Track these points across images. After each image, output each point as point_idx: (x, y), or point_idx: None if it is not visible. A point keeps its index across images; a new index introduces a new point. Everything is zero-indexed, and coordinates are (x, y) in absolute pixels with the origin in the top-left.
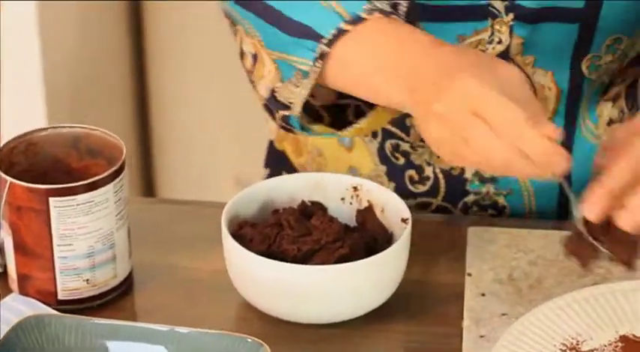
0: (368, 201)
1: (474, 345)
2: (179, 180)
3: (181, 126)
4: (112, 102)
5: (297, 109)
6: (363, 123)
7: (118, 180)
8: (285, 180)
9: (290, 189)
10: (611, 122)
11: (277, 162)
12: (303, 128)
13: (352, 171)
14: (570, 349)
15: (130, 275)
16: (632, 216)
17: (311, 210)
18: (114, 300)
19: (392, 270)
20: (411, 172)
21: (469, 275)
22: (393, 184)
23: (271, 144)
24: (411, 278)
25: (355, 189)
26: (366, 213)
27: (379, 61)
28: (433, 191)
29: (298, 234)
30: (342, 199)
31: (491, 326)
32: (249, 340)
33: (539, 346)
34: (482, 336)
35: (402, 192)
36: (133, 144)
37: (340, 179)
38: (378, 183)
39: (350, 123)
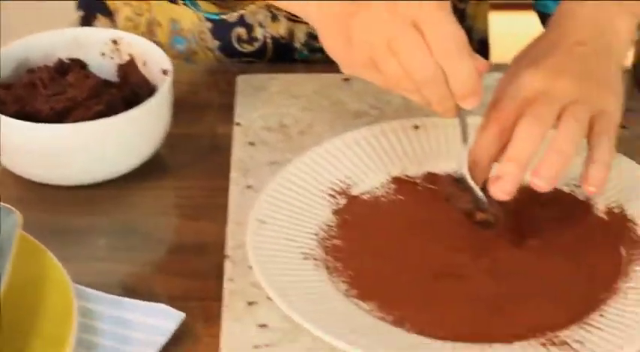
0: (129, 55)
1: (241, 196)
2: None
3: None
4: None
5: None
6: (250, 8)
7: None
8: (40, 38)
9: (46, 47)
10: None
11: (91, 4)
12: (192, 3)
13: (173, 23)
14: (340, 193)
15: None
16: (499, 184)
17: (68, 68)
18: None
19: (154, 124)
20: (240, 30)
21: (238, 124)
22: (217, 43)
23: None
24: (179, 132)
25: (115, 42)
26: (128, 67)
27: None
28: (259, 53)
29: (52, 93)
30: (103, 54)
31: (259, 176)
32: None
33: (306, 192)
34: (249, 186)
35: (227, 51)
36: None
37: (98, 33)
38: (199, 39)
39: None
